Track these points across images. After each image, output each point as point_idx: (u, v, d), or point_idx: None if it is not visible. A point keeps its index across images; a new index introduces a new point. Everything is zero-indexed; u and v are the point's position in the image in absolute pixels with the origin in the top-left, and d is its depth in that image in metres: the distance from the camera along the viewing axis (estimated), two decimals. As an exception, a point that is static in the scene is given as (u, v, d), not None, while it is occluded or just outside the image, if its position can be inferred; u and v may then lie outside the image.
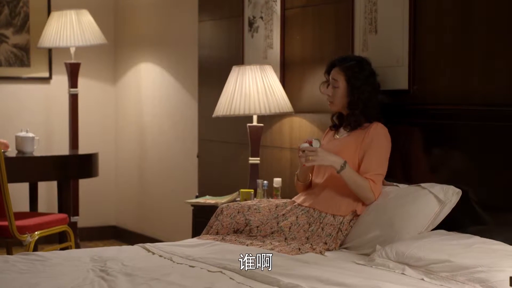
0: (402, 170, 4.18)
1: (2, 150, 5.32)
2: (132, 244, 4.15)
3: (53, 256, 3.68)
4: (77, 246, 6.33)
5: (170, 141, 6.60)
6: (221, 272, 3.37)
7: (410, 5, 4.17)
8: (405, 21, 4.20)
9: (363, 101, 4.09)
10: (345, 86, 4.13)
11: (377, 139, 4.05)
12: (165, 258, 3.68)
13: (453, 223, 3.81)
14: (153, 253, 3.79)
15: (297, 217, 4.04)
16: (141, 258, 3.69)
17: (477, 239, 3.55)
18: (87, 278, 3.27)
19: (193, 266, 3.49)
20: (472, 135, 3.85)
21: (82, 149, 6.54)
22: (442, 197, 3.82)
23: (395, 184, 4.08)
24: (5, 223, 4.81)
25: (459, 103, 3.96)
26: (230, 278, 3.28)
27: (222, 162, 5.70)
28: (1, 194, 4.76)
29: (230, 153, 5.58)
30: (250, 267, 3.36)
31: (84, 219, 6.95)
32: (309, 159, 3.96)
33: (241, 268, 3.35)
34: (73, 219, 6.60)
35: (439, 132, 4.01)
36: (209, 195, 5.21)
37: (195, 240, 4.07)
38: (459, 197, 3.82)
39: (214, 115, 4.93)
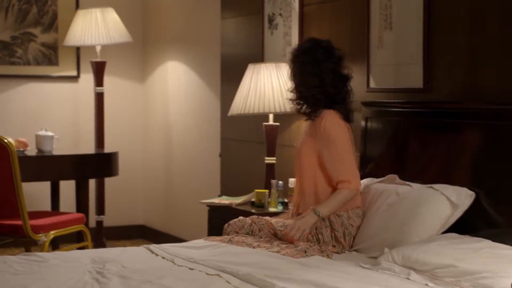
0: (415, 169, 4.05)
1: (21, 149, 5.33)
2: (159, 243, 4.09)
3: (53, 257, 3.64)
4: (103, 246, 6.33)
5: (194, 140, 6.55)
6: (218, 275, 3.29)
7: (424, 1, 4.05)
8: (420, 18, 4.09)
9: (308, 88, 3.93)
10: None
11: (328, 137, 3.88)
12: (167, 260, 3.62)
13: (465, 226, 3.67)
14: (156, 255, 3.72)
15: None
16: (142, 260, 3.62)
17: (486, 243, 3.42)
18: (80, 280, 3.22)
19: (192, 269, 3.42)
20: (487, 134, 3.71)
21: (109, 148, 6.51)
22: (455, 200, 3.69)
23: (408, 183, 3.96)
24: (20, 222, 4.79)
25: (473, 101, 3.83)
26: (227, 281, 3.20)
27: (242, 162, 5.63)
28: (15, 193, 4.74)
29: (250, 152, 5.51)
30: (249, 271, 3.28)
31: (111, 219, 6.94)
32: (294, 237, 3.82)
33: (240, 272, 3.27)
34: (99, 218, 6.60)
35: (453, 131, 3.88)
36: (231, 195, 5.15)
37: (201, 241, 3.99)
38: (472, 200, 3.69)
39: (229, 113, 4.86)
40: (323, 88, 3.94)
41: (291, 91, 4.05)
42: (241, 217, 4.11)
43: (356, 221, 3.90)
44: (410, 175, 4.02)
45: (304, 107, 4.02)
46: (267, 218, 4.06)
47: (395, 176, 4.05)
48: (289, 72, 4.04)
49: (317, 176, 3.97)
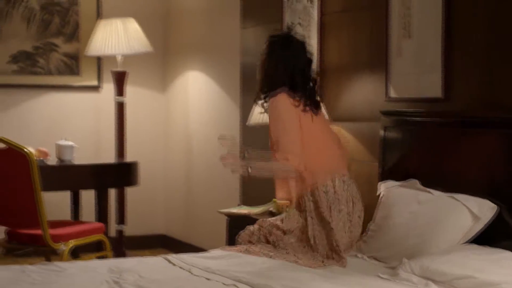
0: (437, 177, 4.01)
1: (42, 158, 5.35)
2: (179, 253, 4.09)
3: (71, 266, 3.64)
4: (123, 255, 6.33)
5: (214, 149, 6.52)
6: (235, 285, 3.28)
7: (443, 10, 4.03)
8: (439, 26, 4.06)
9: (262, 73, 4.04)
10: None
11: (272, 115, 3.95)
12: (184, 270, 3.61)
13: (486, 237, 3.63)
14: (174, 265, 3.72)
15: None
16: (159, 270, 3.62)
17: (507, 254, 3.40)
18: (96, 290, 3.22)
19: (209, 279, 3.41)
20: (507, 144, 3.67)
21: (130, 158, 6.52)
22: (477, 212, 3.66)
23: (429, 190, 3.93)
24: (40, 231, 4.81)
25: (493, 110, 3.79)
26: (243, 291, 3.20)
27: (262, 171, 5.60)
28: (35, 202, 4.75)
29: (269, 162, 5.48)
30: (266, 281, 3.27)
31: (132, 228, 6.94)
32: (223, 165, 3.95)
33: (256, 282, 3.26)
34: (120, 227, 6.61)
35: (473, 140, 3.84)
36: (250, 204, 5.12)
37: (219, 251, 3.98)
38: (494, 213, 3.64)
39: (247, 123, 4.85)
40: (292, 72, 3.99)
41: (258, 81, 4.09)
42: (247, 226, 4.10)
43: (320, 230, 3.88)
44: (430, 185, 3.98)
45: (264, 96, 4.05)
46: (271, 219, 4.05)
47: (415, 181, 4.02)
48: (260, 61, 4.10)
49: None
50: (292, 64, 4.02)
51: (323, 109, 4.23)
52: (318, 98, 4.09)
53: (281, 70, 4.01)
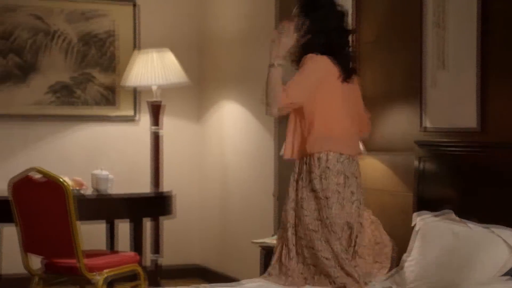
0: (472, 208, 3.98)
1: (78, 188, 5.39)
2: (213, 283, 4.09)
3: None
4: (158, 285, 6.34)
5: (249, 180, 6.55)
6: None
7: (478, 41, 4.01)
8: (474, 56, 4.04)
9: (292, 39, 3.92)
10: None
11: (301, 67, 3.91)
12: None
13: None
14: (206, 295, 3.72)
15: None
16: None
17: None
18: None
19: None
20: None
21: (166, 188, 6.54)
22: (513, 244, 3.61)
23: (464, 222, 3.88)
24: (75, 261, 4.83)
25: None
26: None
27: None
28: (71, 232, 4.78)
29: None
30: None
31: (167, 258, 6.95)
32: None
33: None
34: (155, 257, 6.62)
35: (509, 171, 3.80)
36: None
37: (249, 281, 3.98)
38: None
39: (280, 153, 4.84)
40: (326, 33, 3.95)
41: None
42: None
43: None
44: (465, 216, 3.94)
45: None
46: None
47: (451, 213, 3.99)
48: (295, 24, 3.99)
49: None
50: (325, 24, 3.95)
51: (356, 79, 4.15)
52: (352, 65, 4.05)
53: (315, 32, 3.94)
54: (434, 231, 3.97)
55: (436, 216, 4.05)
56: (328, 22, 3.97)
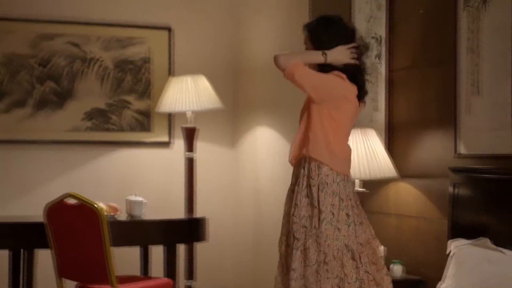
0: (508, 235, 3.94)
1: (112, 214, 5.43)
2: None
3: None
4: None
5: (283, 206, 6.52)
6: None
7: (513, 65, 4.00)
8: (508, 82, 4.02)
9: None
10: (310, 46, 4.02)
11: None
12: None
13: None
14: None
15: None
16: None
17: None
18: None
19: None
20: None
21: (200, 213, 6.56)
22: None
23: (500, 249, 3.85)
24: (109, 287, 4.85)
25: None
26: None
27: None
28: (105, 258, 4.81)
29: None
30: None
31: (202, 284, 6.95)
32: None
33: None
34: (188, 283, 6.62)
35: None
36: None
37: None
38: None
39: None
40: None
41: None
42: None
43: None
44: (501, 243, 3.90)
45: None
46: None
47: (486, 240, 3.95)
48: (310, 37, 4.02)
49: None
50: (339, 40, 3.94)
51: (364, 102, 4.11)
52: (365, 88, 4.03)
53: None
54: (469, 258, 3.93)
55: (471, 244, 4.01)
56: (341, 39, 3.96)
